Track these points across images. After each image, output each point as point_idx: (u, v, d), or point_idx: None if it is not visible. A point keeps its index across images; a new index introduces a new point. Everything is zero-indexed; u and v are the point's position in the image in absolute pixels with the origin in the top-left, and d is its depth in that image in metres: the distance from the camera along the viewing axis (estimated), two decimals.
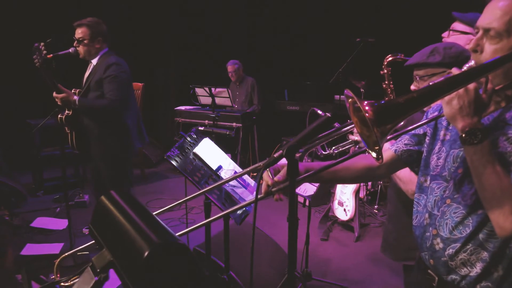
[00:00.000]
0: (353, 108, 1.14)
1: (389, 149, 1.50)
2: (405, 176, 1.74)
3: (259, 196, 1.18)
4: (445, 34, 2.19)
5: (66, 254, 1.38)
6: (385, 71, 2.39)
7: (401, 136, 1.49)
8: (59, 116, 3.28)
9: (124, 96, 3.24)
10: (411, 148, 1.46)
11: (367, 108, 1.05)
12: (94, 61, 3.32)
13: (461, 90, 1.11)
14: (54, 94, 3.15)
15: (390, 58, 2.37)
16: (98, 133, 3.30)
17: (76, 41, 3.26)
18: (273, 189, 1.29)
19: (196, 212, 4.65)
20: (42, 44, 3.07)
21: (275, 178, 1.30)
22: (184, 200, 1.52)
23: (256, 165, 1.34)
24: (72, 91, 3.25)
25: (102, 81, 3.20)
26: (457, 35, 2.09)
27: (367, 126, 1.06)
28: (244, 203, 1.41)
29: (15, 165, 5.19)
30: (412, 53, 2.23)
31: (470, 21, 2.07)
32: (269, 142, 6.06)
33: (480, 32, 1.18)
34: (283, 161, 1.16)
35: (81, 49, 3.27)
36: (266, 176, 1.31)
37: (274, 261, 3.08)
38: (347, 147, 2.46)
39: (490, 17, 1.15)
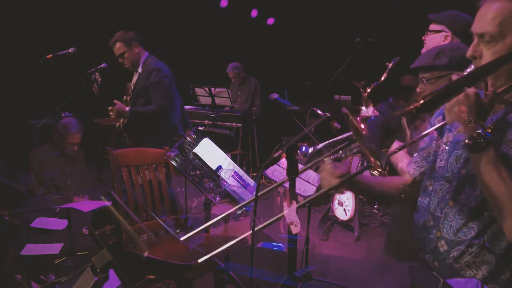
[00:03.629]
0: (353, 123, 1.13)
1: (406, 174, 1.49)
2: None
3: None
4: (424, 37, 2.23)
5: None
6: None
7: (413, 157, 1.48)
8: (117, 124, 3.60)
9: (170, 99, 3.51)
10: (423, 168, 1.43)
11: (362, 126, 1.04)
12: (140, 70, 3.55)
13: (460, 96, 1.07)
14: (110, 108, 3.38)
15: None
16: (150, 134, 3.54)
17: (119, 58, 3.48)
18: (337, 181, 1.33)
19: (196, 212, 4.64)
20: (98, 74, 3.37)
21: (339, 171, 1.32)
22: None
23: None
24: (124, 98, 3.52)
25: (147, 88, 3.44)
26: (432, 35, 2.15)
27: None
28: (244, 202, 1.42)
29: (15, 165, 5.18)
30: (413, 54, 2.23)
31: (442, 20, 2.14)
32: (269, 142, 6.05)
33: (476, 39, 1.18)
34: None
35: (126, 62, 3.50)
36: (329, 168, 1.34)
37: (274, 261, 3.07)
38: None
39: (482, 22, 1.15)
